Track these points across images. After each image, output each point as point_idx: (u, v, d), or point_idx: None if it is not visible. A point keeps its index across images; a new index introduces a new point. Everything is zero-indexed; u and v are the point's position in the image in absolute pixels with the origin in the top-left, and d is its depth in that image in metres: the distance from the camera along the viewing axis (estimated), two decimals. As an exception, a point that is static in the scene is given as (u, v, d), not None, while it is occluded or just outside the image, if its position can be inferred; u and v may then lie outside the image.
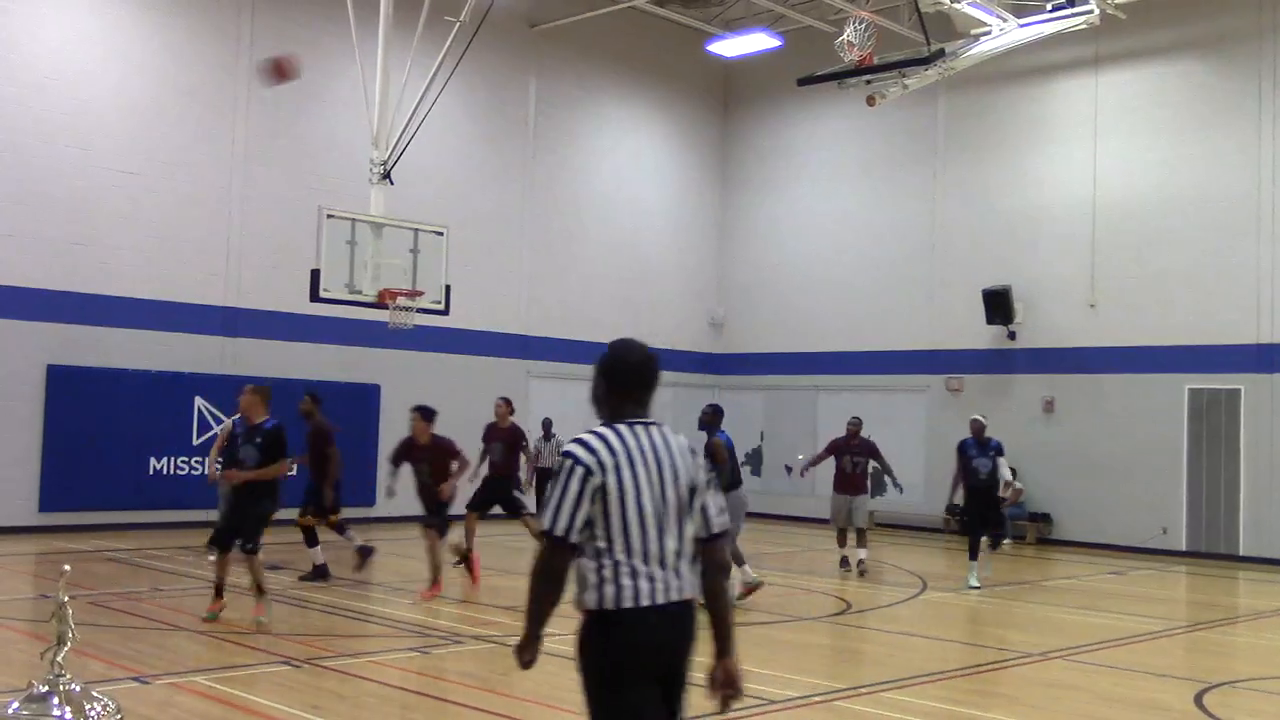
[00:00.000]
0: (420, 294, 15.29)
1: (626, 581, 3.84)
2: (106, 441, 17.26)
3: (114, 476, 17.39)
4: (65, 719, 2.79)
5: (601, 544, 3.87)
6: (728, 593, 4.16)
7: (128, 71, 17.87)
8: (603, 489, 3.85)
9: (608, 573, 3.85)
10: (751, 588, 12.21)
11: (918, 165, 22.92)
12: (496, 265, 21.88)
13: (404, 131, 15.47)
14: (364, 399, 19.64)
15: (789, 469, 23.37)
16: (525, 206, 22.69)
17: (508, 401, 14.63)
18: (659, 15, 23.18)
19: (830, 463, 15.70)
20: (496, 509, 14.06)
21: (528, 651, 4.00)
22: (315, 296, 14.69)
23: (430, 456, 12.48)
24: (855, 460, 15.33)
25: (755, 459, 24.43)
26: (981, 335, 21.47)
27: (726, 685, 3.97)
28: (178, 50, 18.38)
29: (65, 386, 16.95)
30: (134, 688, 7.58)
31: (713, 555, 4.05)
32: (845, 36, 17.77)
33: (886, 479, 15.49)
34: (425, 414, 12.54)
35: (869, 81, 19.05)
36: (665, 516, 3.92)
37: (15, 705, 2.78)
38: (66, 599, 3.15)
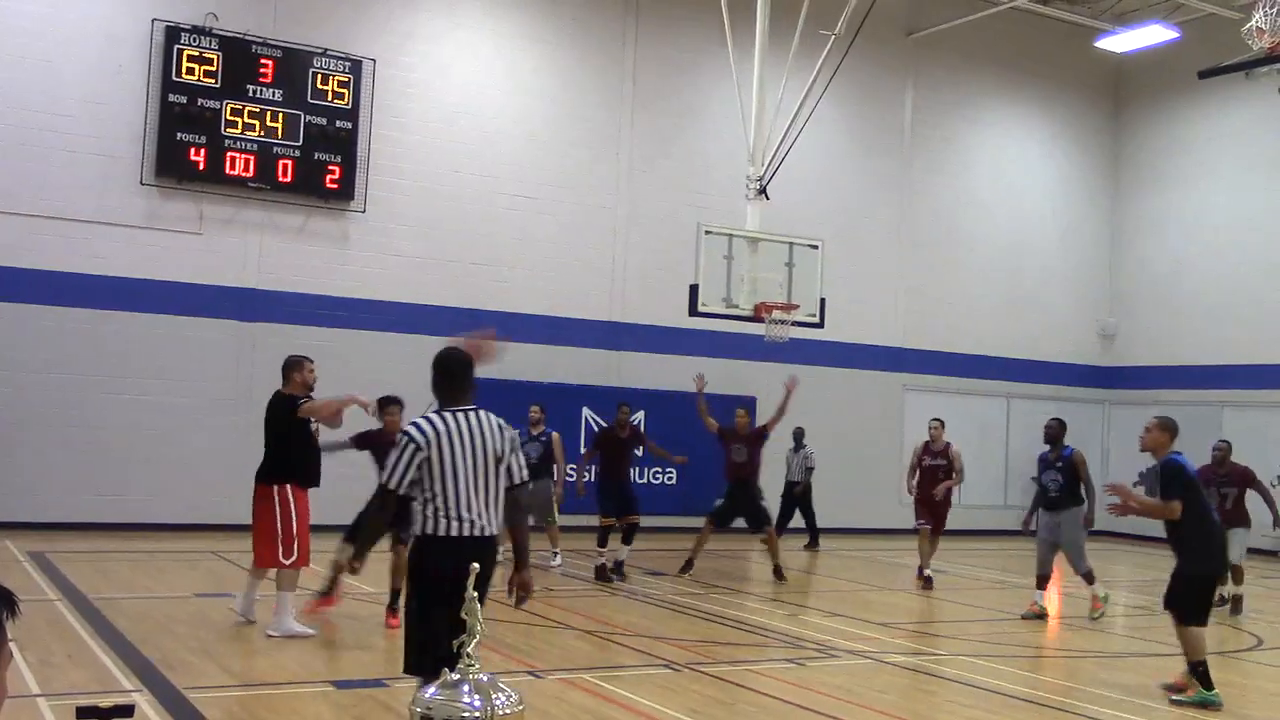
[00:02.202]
0: (795, 307, 15.41)
1: (442, 519, 5.54)
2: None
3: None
4: (476, 705, 3.00)
5: (428, 495, 5.56)
6: (525, 523, 5.97)
7: (527, 103, 19.13)
8: (427, 459, 5.53)
9: (429, 513, 5.56)
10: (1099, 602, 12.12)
11: (1341, 158, 20.73)
12: (872, 277, 21.70)
13: (779, 146, 15.66)
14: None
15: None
16: (902, 217, 22.38)
17: (941, 423, 14.91)
18: (1043, 14, 22.25)
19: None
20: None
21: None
22: (694, 310, 15.13)
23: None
24: (1224, 492, 13.47)
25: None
26: None
27: (521, 588, 5.77)
28: (569, 80, 19.49)
29: (468, 396, 18.28)
30: (529, 681, 8.05)
31: (513, 497, 5.78)
32: (1254, 22, 16.36)
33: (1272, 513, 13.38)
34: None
35: (1282, 70, 17.47)
36: (475, 476, 5.57)
37: (432, 691, 3.02)
38: (476, 594, 3.40)
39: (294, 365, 9.59)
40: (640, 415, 19.59)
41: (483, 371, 18.82)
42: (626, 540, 14.02)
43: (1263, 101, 20.27)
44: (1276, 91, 17.85)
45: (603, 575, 13.52)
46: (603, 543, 13.92)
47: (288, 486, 9.48)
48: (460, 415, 5.65)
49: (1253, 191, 22.12)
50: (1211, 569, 8.55)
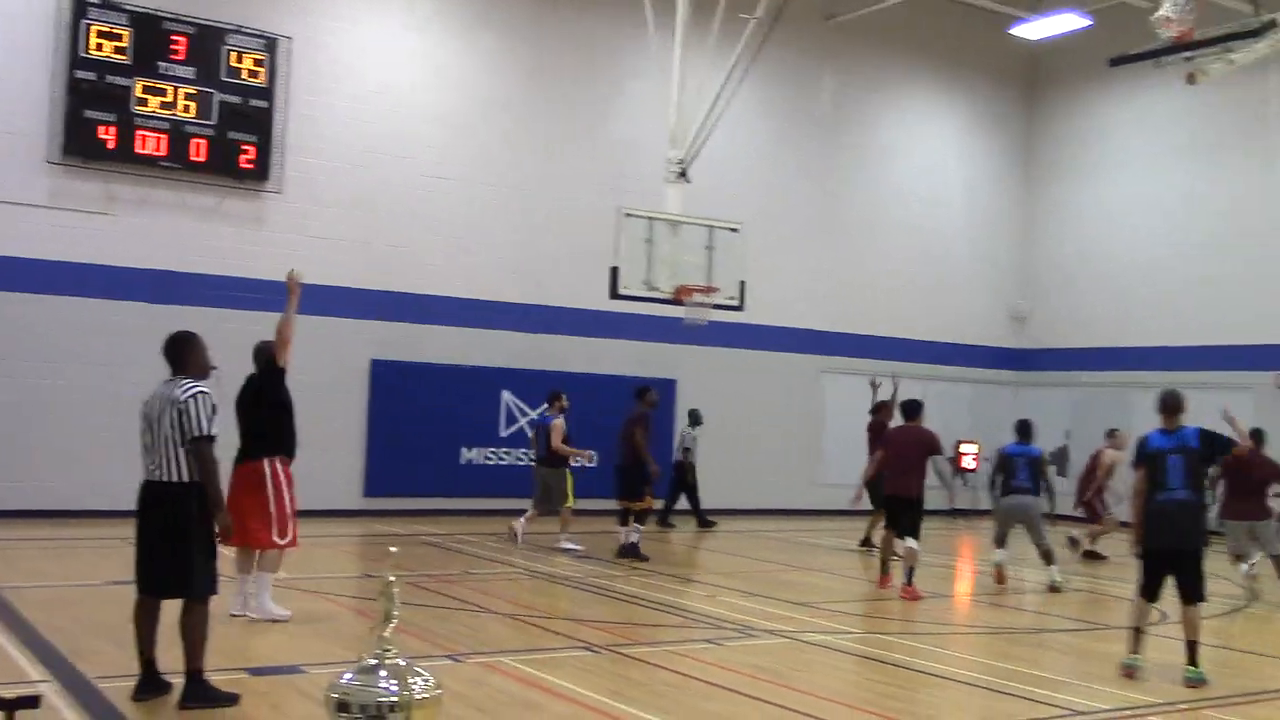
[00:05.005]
0: (715, 290, 15.49)
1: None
2: (422, 432, 18.35)
3: (429, 465, 18.45)
4: (391, 690, 2.99)
5: None
6: (207, 466, 6.78)
7: (444, 84, 18.94)
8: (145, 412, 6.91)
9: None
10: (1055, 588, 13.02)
11: (1245, 146, 21.30)
12: (791, 260, 21.86)
13: (700, 129, 15.69)
14: (660, 393, 19.98)
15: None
16: (820, 201, 22.56)
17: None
18: (959, 1, 22.53)
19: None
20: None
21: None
22: (614, 294, 15.14)
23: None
24: None
25: (1060, 459, 23.35)
26: (1319, 329, 19.73)
27: (220, 532, 6.88)
28: (488, 61, 19.33)
29: (386, 380, 18.14)
30: (448, 665, 8.02)
31: (195, 448, 6.78)
32: (1163, 11, 16.71)
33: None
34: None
35: (1189, 58, 17.84)
36: (150, 432, 6.84)
37: (349, 676, 3.00)
38: (393, 579, 3.37)
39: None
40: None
41: (400, 354, 18.58)
42: (640, 521, 14.59)
43: (1172, 89, 20.70)
44: (1184, 79, 18.21)
45: (633, 553, 14.20)
46: (625, 522, 14.48)
47: (277, 460, 9.34)
48: (163, 385, 6.97)
49: (1162, 177, 22.64)
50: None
